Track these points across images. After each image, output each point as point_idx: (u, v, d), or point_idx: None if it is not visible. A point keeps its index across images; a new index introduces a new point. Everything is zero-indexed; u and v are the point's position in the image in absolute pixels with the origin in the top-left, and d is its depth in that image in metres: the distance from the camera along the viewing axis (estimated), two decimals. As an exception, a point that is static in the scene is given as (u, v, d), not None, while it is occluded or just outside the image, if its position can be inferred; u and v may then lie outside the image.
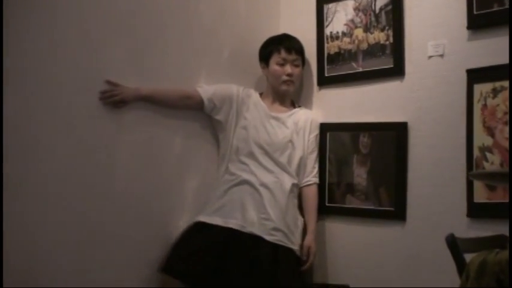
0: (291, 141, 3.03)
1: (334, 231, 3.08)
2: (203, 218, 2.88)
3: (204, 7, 3.08)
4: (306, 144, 3.07)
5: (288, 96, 3.16)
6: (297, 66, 3.10)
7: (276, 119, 3.08)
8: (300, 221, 2.98)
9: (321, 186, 3.10)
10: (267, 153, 2.98)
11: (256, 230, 2.82)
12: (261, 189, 2.90)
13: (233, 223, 2.84)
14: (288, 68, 3.08)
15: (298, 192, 3.04)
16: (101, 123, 2.67)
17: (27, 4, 2.42)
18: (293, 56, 3.09)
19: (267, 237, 2.82)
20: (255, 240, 2.81)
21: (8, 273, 2.22)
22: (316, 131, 3.13)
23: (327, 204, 3.10)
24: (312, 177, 3.07)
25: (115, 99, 2.69)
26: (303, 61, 3.14)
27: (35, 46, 2.45)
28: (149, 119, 2.84)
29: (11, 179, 2.31)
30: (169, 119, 2.92)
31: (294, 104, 3.20)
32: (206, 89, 3.01)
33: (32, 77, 2.43)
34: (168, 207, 2.90)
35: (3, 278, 2.17)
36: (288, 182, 2.96)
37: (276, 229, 2.84)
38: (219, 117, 3.04)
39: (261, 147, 2.99)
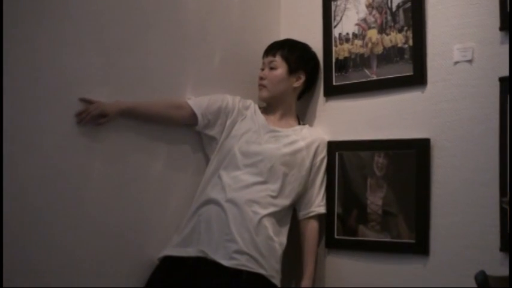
0: (288, 154, 3.02)
1: (344, 268, 3.06)
2: (167, 251, 2.92)
3: (191, 5, 3.08)
4: (306, 166, 3.07)
5: (287, 110, 3.17)
6: (272, 68, 3.13)
7: (274, 131, 3.08)
8: (278, 244, 2.94)
9: (328, 215, 3.09)
10: (253, 164, 2.97)
11: (218, 255, 2.81)
12: (227, 205, 2.89)
13: (194, 251, 2.86)
14: (262, 72, 3.15)
15: (295, 222, 3.05)
16: (72, 145, 2.69)
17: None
18: (268, 59, 3.15)
19: (227, 262, 2.80)
20: (215, 267, 2.80)
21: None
22: (324, 153, 3.13)
23: (336, 237, 3.08)
24: (316, 206, 3.07)
25: (93, 114, 2.71)
26: (291, 65, 3.13)
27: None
28: (126, 139, 2.86)
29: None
30: (150, 141, 2.94)
31: (299, 122, 3.21)
32: (198, 102, 3.03)
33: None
34: (145, 238, 2.92)
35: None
36: (267, 200, 2.94)
37: (239, 252, 2.81)
38: (213, 133, 3.06)
39: (248, 157, 2.98)
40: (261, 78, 3.14)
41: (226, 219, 2.86)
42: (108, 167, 2.79)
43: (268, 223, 2.91)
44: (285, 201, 2.99)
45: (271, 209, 2.94)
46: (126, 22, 2.84)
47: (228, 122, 3.07)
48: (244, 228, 2.85)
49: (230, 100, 3.11)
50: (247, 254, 2.81)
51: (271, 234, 2.92)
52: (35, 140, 2.56)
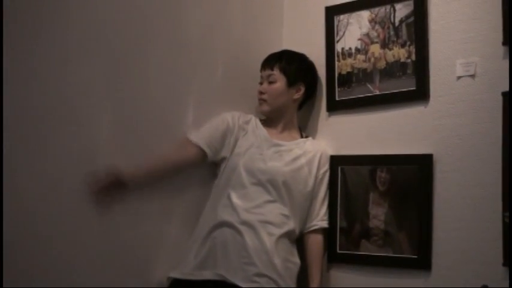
0: (293, 171, 3.02)
1: (347, 283, 3.05)
2: (176, 274, 2.91)
3: (192, 18, 3.08)
4: (311, 180, 3.06)
5: (288, 122, 3.17)
6: (271, 82, 3.12)
7: (277, 145, 3.08)
8: (293, 264, 2.95)
9: (331, 230, 3.08)
10: (259, 183, 2.97)
11: (238, 279, 2.80)
12: (242, 228, 2.88)
13: (211, 274, 2.84)
14: (261, 86, 3.14)
15: (298, 238, 3.04)
16: (75, 163, 2.68)
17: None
18: (266, 72, 3.14)
19: (247, 285, 2.79)
20: None
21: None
22: (326, 167, 3.13)
23: (338, 251, 3.08)
24: (318, 220, 3.07)
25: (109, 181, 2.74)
26: (289, 78, 3.12)
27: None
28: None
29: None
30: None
31: (301, 134, 3.21)
32: (200, 134, 3.02)
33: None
34: (149, 258, 2.92)
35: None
36: (280, 219, 2.94)
37: (259, 275, 2.81)
38: (223, 154, 3.06)
39: (253, 176, 2.97)
40: (261, 93, 3.13)
41: (243, 242, 2.85)
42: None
43: (283, 244, 2.92)
44: (296, 221, 3.00)
45: (285, 229, 2.95)
46: (128, 36, 2.84)
47: (232, 140, 3.07)
48: (262, 250, 2.85)
49: (229, 118, 3.10)
50: (267, 277, 2.82)
51: (287, 255, 2.93)
52: (37, 158, 2.56)
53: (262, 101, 3.14)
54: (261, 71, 3.18)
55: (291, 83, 3.12)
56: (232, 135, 3.07)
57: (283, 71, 3.12)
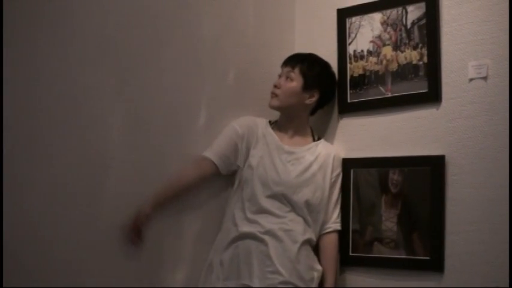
0: (307, 180, 3.03)
1: (359, 285, 3.06)
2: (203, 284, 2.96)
3: (205, 22, 3.10)
4: (327, 185, 3.07)
5: (299, 125, 3.17)
6: (288, 79, 3.12)
7: (289, 153, 3.09)
8: (316, 271, 2.96)
9: (343, 233, 3.10)
10: (275, 195, 2.98)
11: (259, 284, 2.83)
12: (266, 238, 2.90)
13: (235, 284, 2.87)
14: (277, 80, 3.14)
15: (316, 242, 3.05)
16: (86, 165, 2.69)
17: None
18: (287, 69, 3.14)
19: None
20: None
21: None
22: (339, 169, 3.14)
23: (350, 254, 3.09)
24: (332, 223, 3.08)
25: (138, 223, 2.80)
26: (307, 81, 3.10)
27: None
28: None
29: None
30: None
31: (314, 136, 3.21)
32: (212, 149, 3.06)
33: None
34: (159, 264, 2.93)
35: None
36: (301, 227, 2.97)
37: (285, 282, 2.84)
38: (238, 163, 3.09)
39: (268, 188, 2.99)
40: (275, 87, 3.13)
41: (267, 251, 2.88)
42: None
43: (306, 250, 2.95)
44: (316, 227, 3.03)
45: (307, 236, 2.97)
46: (140, 40, 2.85)
47: (244, 148, 3.09)
48: (286, 258, 2.88)
49: (237, 127, 3.11)
50: (292, 284, 2.85)
51: (311, 262, 2.96)
52: (45, 162, 2.56)
53: (274, 95, 3.13)
54: (282, 66, 3.17)
55: (306, 86, 3.11)
56: (243, 143, 3.09)
57: (303, 73, 3.11)
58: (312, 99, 3.15)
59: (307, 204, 3.00)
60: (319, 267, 2.99)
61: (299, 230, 2.96)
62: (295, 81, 3.11)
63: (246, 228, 2.94)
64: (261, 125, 3.17)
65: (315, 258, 3.01)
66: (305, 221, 3.00)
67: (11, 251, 2.38)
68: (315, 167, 3.07)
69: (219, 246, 3.00)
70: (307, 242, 2.98)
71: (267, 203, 2.97)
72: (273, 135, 3.13)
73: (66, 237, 2.59)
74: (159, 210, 2.87)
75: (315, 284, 2.94)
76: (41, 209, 2.53)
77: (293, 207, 2.99)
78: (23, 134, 2.47)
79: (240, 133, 3.09)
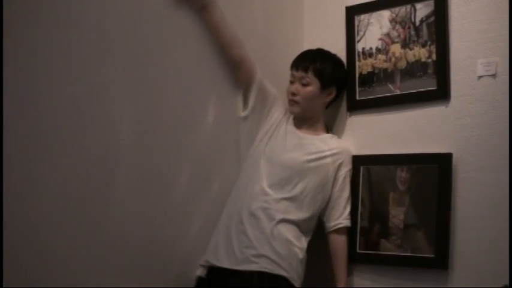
0: (310, 167, 3.04)
1: (366, 282, 3.08)
2: (199, 272, 3.00)
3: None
4: (334, 179, 3.09)
5: (316, 120, 3.20)
6: (304, 85, 3.11)
7: (300, 138, 3.13)
8: (299, 248, 2.96)
9: (351, 229, 3.10)
10: (275, 173, 3.02)
11: (237, 263, 2.88)
12: (246, 216, 2.95)
13: (218, 262, 2.94)
14: (293, 86, 3.14)
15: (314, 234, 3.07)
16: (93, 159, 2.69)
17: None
18: (299, 74, 3.13)
19: (247, 267, 2.85)
20: (236, 275, 2.87)
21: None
22: (350, 165, 3.15)
23: (358, 251, 3.10)
24: (343, 219, 3.09)
25: None
26: (323, 81, 3.12)
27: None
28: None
29: None
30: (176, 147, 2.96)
31: (327, 130, 3.24)
32: (263, 80, 3.16)
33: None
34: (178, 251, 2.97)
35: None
36: (282, 206, 2.98)
37: (258, 255, 2.87)
38: (258, 116, 3.19)
39: (272, 165, 3.05)
40: (293, 94, 3.13)
41: (244, 229, 2.92)
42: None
43: (285, 228, 2.94)
44: (305, 213, 3.01)
45: (292, 216, 2.97)
46: (149, 38, 2.85)
47: (267, 114, 3.20)
48: (261, 234, 2.90)
49: (281, 110, 3.22)
50: (266, 257, 2.86)
51: (291, 238, 2.94)
52: (49, 162, 2.55)
53: (293, 102, 3.14)
54: (292, 69, 3.17)
55: (324, 86, 3.13)
56: (270, 111, 3.20)
57: (318, 74, 3.11)
58: (330, 96, 3.18)
59: (303, 185, 3.02)
60: (303, 244, 2.99)
61: (281, 208, 2.97)
62: (312, 85, 3.12)
63: (238, 207, 3.01)
64: (286, 117, 3.24)
65: (301, 237, 3.00)
66: (300, 207, 3.01)
67: (11, 251, 2.38)
68: (323, 153, 3.08)
69: (219, 224, 3.06)
70: (292, 222, 2.97)
71: (265, 182, 3.01)
72: (290, 118, 3.21)
73: (66, 237, 2.59)
74: (203, 12, 3.00)
75: (297, 259, 2.94)
76: (41, 209, 2.52)
77: (291, 185, 3.01)
78: (27, 136, 2.47)
79: (278, 116, 3.20)
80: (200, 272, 2.98)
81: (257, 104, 3.17)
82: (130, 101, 2.79)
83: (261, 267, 2.85)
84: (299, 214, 2.99)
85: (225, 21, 3.02)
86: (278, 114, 3.20)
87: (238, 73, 3.12)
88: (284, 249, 2.91)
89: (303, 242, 3.00)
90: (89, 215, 2.65)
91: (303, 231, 3.02)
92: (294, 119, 3.21)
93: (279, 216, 2.94)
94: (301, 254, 2.96)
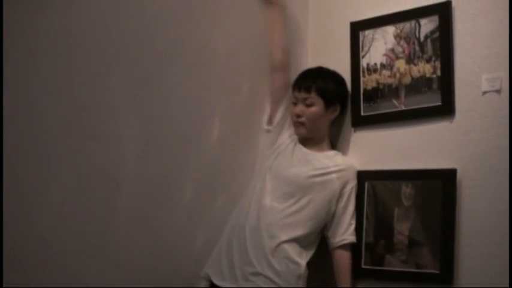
0: (314, 182, 3.04)
1: (371, 299, 3.07)
2: (203, 284, 3.02)
3: (219, 35, 3.12)
4: (339, 196, 3.09)
5: (322, 138, 3.20)
6: (308, 105, 3.12)
7: (306, 154, 3.13)
8: (296, 264, 2.95)
9: (356, 245, 3.10)
10: (280, 188, 3.03)
11: (236, 280, 2.91)
12: (248, 231, 2.97)
13: (221, 280, 2.96)
14: (297, 108, 3.14)
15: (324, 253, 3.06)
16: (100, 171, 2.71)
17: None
18: (302, 94, 3.13)
19: (245, 285, 2.87)
20: None
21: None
22: (355, 181, 3.15)
23: (363, 267, 3.09)
24: (348, 235, 3.08)
25: None
26: (327, 100, 3.13)
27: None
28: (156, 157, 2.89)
29: None
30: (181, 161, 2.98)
31: (332, 146, 3.25)
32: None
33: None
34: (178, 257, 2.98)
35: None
36: (290, 222, 2.98)
37: (255, 274, 2.89)
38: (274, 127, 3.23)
39: (276, 180, 3.06)
40: (298, 116, 3.14)
41: (245, 243, 2.94)
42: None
43: (286, 245, 2.95)
44: (307, 229, 3.02)
45: (291, 232, 2.97)
46: (154, 50, 2.87)
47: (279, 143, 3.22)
48: (260, 250, 2.91)
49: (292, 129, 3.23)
50: (263, 276, 2.88)
51: (291, 254, 2.95)
52: (53, 169, 2.58)
53: (299, 124, 3.15)
54: (294, 91, 3.18)
55: (328, 105, 3.14)
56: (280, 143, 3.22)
57: (321, 93, 3.12)
58: (335, 113, 3.20)
59: (307, 201, 3.03)
60: (302, 261, 2.98)
61: (283, 225, 2.98)
62: (316, 105, 3.13)
63: (241, 221, 3.03)
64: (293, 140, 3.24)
65: (302, 255, 3.00)
66: (302, 223, 3.01)
67: (11, 251, 2.40)
68: (328, 169, 3.09)
69: (223, 236, 3.09)
70: (294, 240, 2.98)
71: (269, 197, 3.03)
72: (299, 145, 3.20)
73: (66, 237, 2.61)
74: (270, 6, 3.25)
75: (296, 275, 2.94)
76: (41, 209, 2.54)
77: (295, 200, 3.02)
78: (30, 143, 2.50)
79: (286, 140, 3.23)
80: (204, 284, 3.00)
81: (282, 119, 3.21)
82: (136, 113, 2.81)
83: (256, 285, 2.87)
84: (301, 229, 3.00)
85: (284, 27, 3.16)
86: (290, 132, 3.22)
87: (273, 78, 3.21)
88: (282, 265, 2.91)
89: (304, 257, 3.00)
90: (93, 225, 2.67)
91: (304, 246, 3.02)
92: (300, 138, 3.21)
93: (280, 233, 2.95)
94: (300, 270, 2.96)
